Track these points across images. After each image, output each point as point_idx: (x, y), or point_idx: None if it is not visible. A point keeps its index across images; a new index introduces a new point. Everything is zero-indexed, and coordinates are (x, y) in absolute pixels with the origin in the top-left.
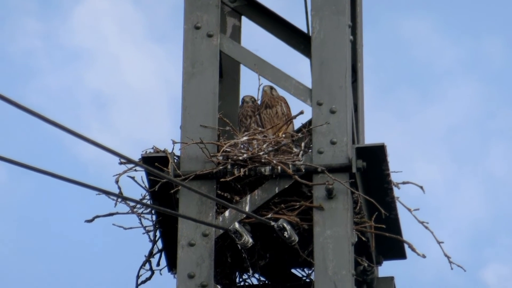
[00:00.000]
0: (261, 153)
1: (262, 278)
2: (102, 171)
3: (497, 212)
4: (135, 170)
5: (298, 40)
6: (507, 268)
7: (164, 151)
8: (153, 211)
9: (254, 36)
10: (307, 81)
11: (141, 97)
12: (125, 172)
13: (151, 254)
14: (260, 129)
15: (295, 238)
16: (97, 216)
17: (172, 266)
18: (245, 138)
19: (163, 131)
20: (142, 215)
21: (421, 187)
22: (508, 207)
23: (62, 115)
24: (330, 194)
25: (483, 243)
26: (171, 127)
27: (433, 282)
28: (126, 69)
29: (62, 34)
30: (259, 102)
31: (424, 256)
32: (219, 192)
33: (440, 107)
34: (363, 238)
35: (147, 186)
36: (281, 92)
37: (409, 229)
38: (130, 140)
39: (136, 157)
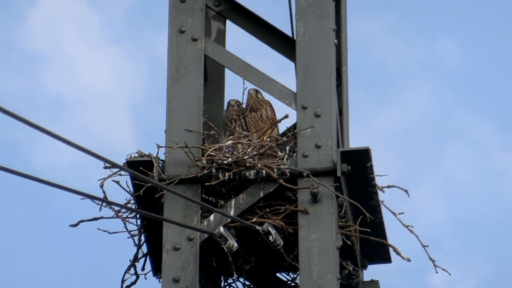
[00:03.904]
0: (246, 157)
1: (247, 282)
2: (60, 177)
3: (449, 215)
4: (120, 175)
5: (283, 43)
6: (454, 272)
7: (148, 155)
8: (138, 216)
9: (238, 40)
10: (292, 85)
11: (100, 99)
12: (109, 176)
13: (136, 259)
14: (245, 133)
15: (280, 242)
16: (82, 221)
17: (157, 270)
18: (230, 142)
19: (123, 132)
20: (127, 219)
21: (406, 191)
22: (461, 210)
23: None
24: (315, 198)
25: (431, 246)
26: (131, 128)
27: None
28: (83, 71)
29: (18, 38)
30: (244, 106)
31: (409, 260)
32: (204, 196)
33: (395, 109)
34: (348, 242)
35: (131, 190)
36: (266, 96)
37: (391, 232)
38: (93, 142)
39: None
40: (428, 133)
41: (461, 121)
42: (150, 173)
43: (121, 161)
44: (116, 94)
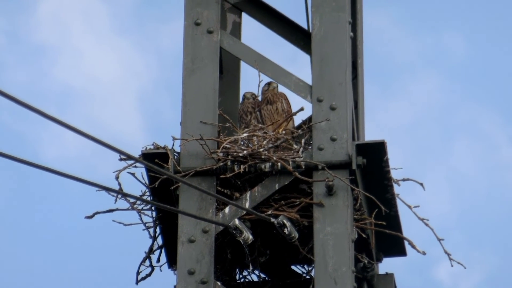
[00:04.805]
0: (261, 149)
1: (262, 275)
2: (68, 169)
3: (455, 208)
4: (135, 167)
5: (298, 36)
6: (460, 266)
7: (164, 148)
8: (153, 208)
9: (254, 33)
10: (307, 78)
11: (108, 90)
12: (125, 168)
13: (151, 251)
14: (260, 125)
15: (295, 234)
16: (97, 213)
17: (172, 262)
18: (245, 134)
19: (131, 123)
20: (142, 211)
21: (421, 184)
22: (467, 203)
23: (31, 111)
24: (330, 191)
25: (436, 240)
26: (139, 119)
27: None
28: (91, 62)
29: (26, 29)
30: (259, 98)
31: (424, 253)
32: (219, 188)
33: (401, 102)
34: (363, 235)
35: (147, 182)
36: (281, 88)
37: (407, 225)
38: (101, 133)
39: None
40: (434, 126)
41: (468, 114)
42: (165, 165)
43: (131, 152)
44: (123, 86)
